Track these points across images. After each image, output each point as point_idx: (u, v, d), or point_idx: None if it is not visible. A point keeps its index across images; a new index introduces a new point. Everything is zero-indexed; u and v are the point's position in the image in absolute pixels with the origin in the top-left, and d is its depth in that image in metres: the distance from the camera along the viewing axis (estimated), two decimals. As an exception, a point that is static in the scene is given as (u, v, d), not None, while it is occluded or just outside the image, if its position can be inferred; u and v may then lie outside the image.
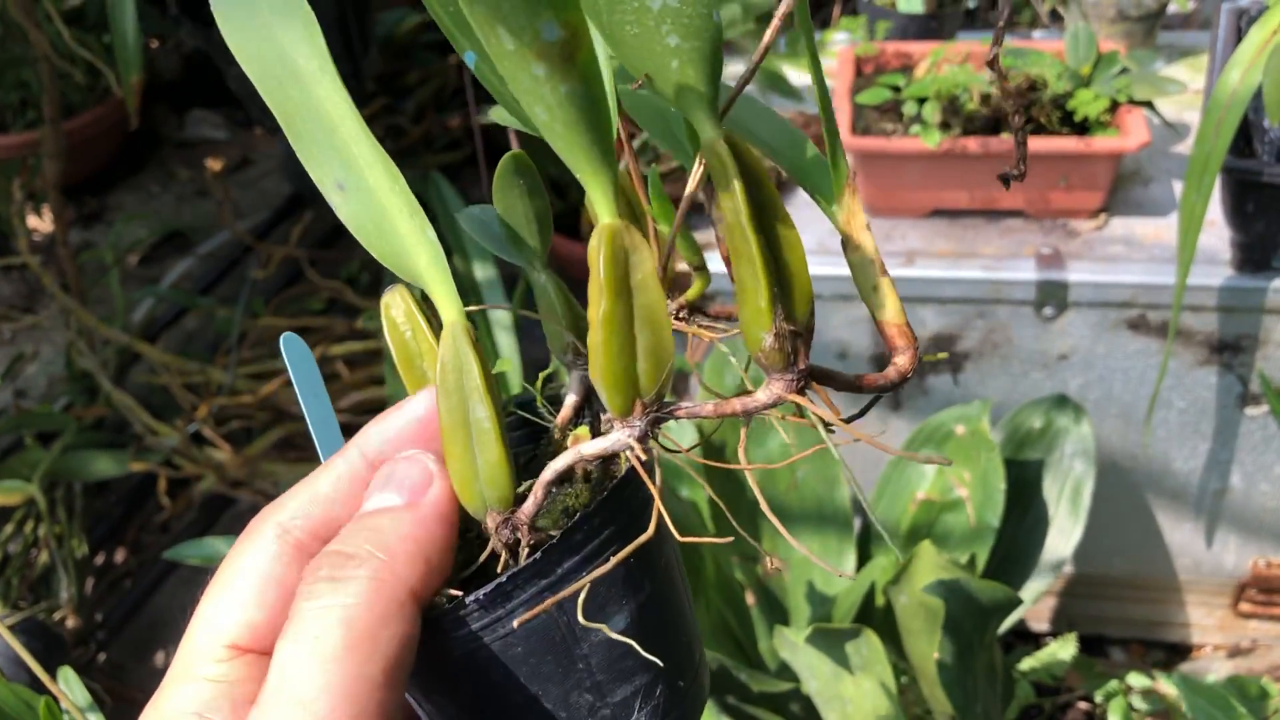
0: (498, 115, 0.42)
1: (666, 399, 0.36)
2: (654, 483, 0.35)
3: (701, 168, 0.35)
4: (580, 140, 0.32)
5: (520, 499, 0.37)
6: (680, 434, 1.20)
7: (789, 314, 0.34)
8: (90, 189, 2.55)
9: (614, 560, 0.35)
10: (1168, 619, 1.53)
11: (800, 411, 0.36)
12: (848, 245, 0.36)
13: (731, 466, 0.40)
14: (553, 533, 0.37)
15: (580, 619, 0.35)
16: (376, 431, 0.38)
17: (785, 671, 1.09)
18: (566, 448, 0.39)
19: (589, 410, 0.42)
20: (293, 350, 0.41)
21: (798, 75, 1.57)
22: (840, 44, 1.64)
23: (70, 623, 1.65)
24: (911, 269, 1.25)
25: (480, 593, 0.35)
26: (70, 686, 0.81)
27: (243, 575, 0.36)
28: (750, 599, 1.17)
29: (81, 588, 1.69)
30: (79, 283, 1.87)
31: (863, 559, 1.23)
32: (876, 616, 1.15)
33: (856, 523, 1.25)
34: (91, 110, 2.37)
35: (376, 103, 2.36)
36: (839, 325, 1.29)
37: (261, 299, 2.10)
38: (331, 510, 0.37)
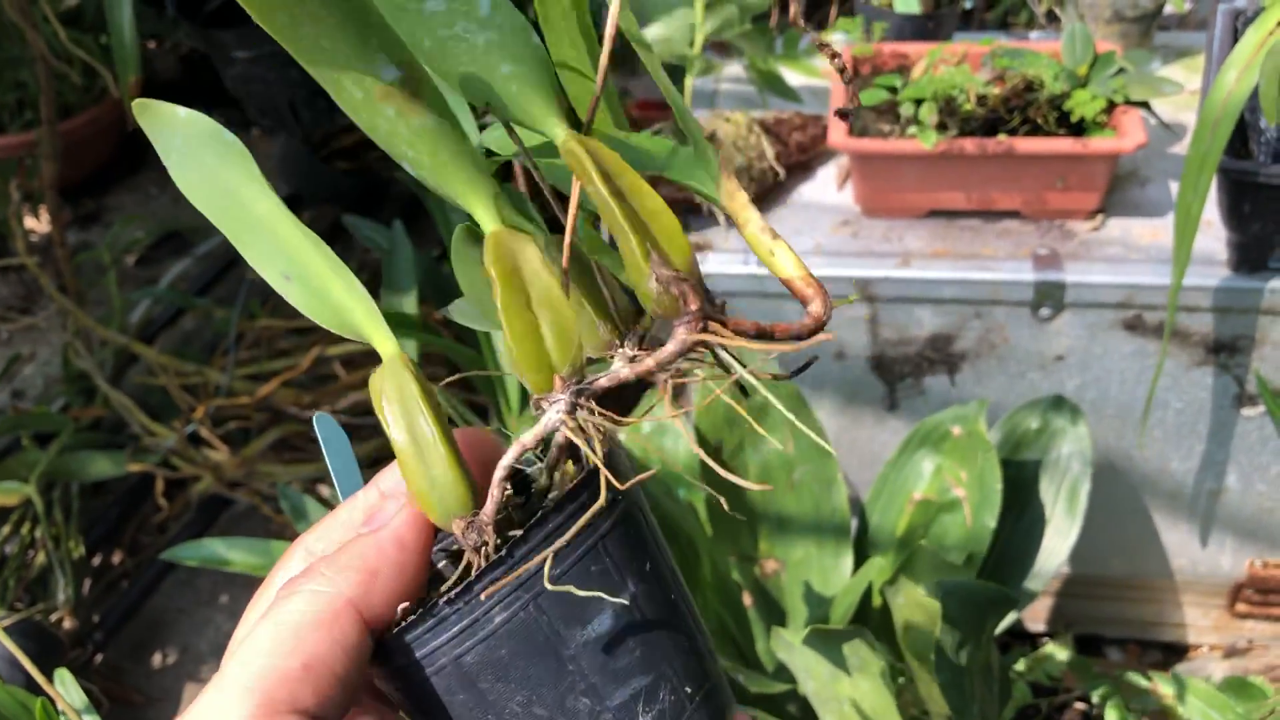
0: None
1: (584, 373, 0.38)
2: (596, 455, 0.36)
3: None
4: (446, 166, 0.36)
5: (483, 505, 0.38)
6: (676, 440, 1.20)
7: (667, 262, 0.36)
8: (87, 190, 2.55)
9: (569, 534, 0.36)
10: (1164, 619, 1.53)
11: (719, 362, 0.39)
12: (738, 222, 0.38)
13: (738, 479, 0.40)
14: (516, 531, 0.37)
15: (624, 622, 0.36)
16: (394, 475, 0.40)
17: (782, 672, 1.09)
18: (546, 471, 0.41)
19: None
20: (326, 429, 0.45)
21: (795, 77, 1.57)
22: (838, 44, 1.64)
23: (67, 624, 1.65)
24: (908, 270, 1.25)
25: (452, 593, 0.36)
26: (66, 688, 0.81)
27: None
28: (747, 600, 1.17)
29: (78, 589, 1.69)
30: (76, 284, 1.87)
31: (860, 560, 1.23)
32: (874, 617, 1.15)
33: (854, 524, 1.25)
34: (88, 111, 2.36)
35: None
36: (835, 324, 1.29)
37: (259, 300, 2.10)
38: (349, 536, 0.39)
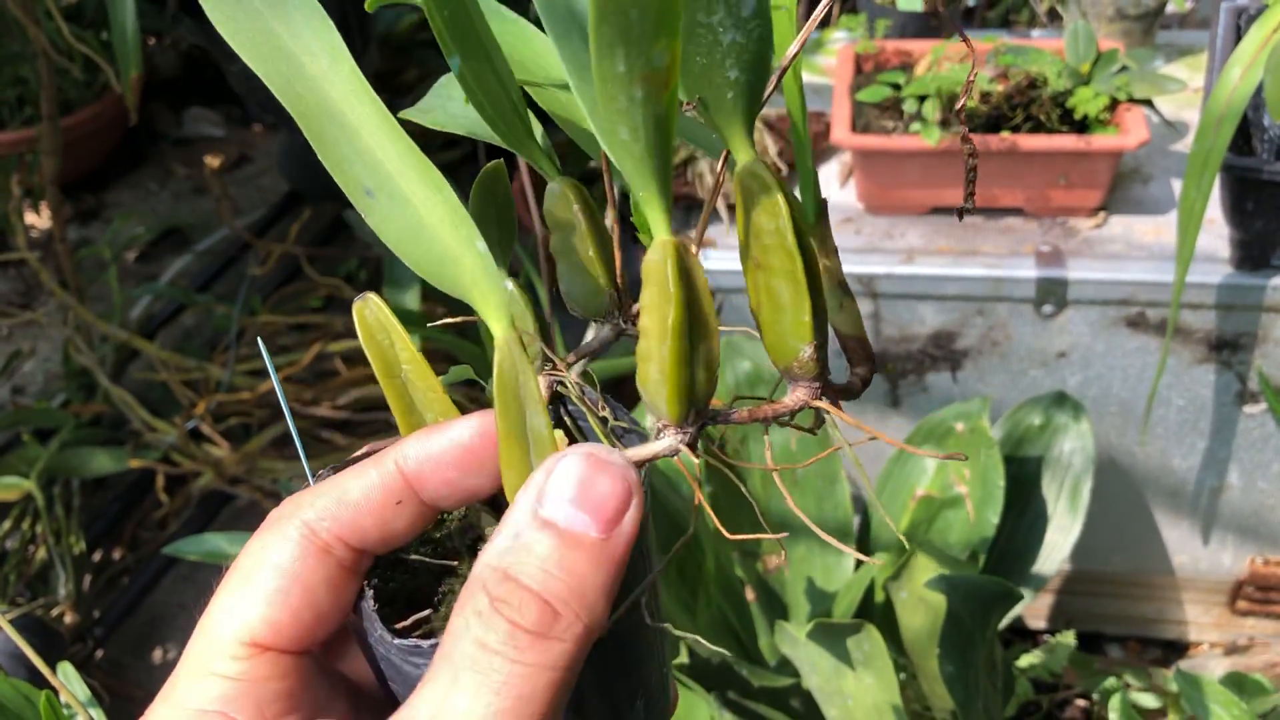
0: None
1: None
2: (699, 486, 0.37)
3: (719, 186, 0.38)
4: (652, 162, 0.33)
5: None
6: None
7: (820, 327, 0.36)
8: (88, 186, 2.55)
9: (662, 564, 0.37)
10: (1165, 616, 1.53)
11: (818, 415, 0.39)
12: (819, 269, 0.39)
13: (749, 464, 0.40)
14: None
15: (646, 618, 0.37)
16: (417, 448, 0.36)
17: (785, 667, 1.09)
18: None
19: (551, 413, 0.43)
20: (268, 358, 0.41)
21: (805, 75, 1.57)
22: (840, 42, 1.64)
23: (68, 619, 1.65)
24: (911, 266, 1.25)
25: None
26: (70, 681, 0.81)
27: (265, 570, 0.35)
28: (750, 595, 1.18)
29: (79, 584, 1.69)
30: (77, 279, 1.87)
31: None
32: (876, 613, 1.16)
33: (856, 521, 1.26)
34: (89, 107, 2.36)
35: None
36: (839, 322, 1.29)
37: (259, 296, 2.10)
38: (360, 517, 0.36)
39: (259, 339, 0.42)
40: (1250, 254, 1.20)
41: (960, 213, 0.41)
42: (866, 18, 1.53)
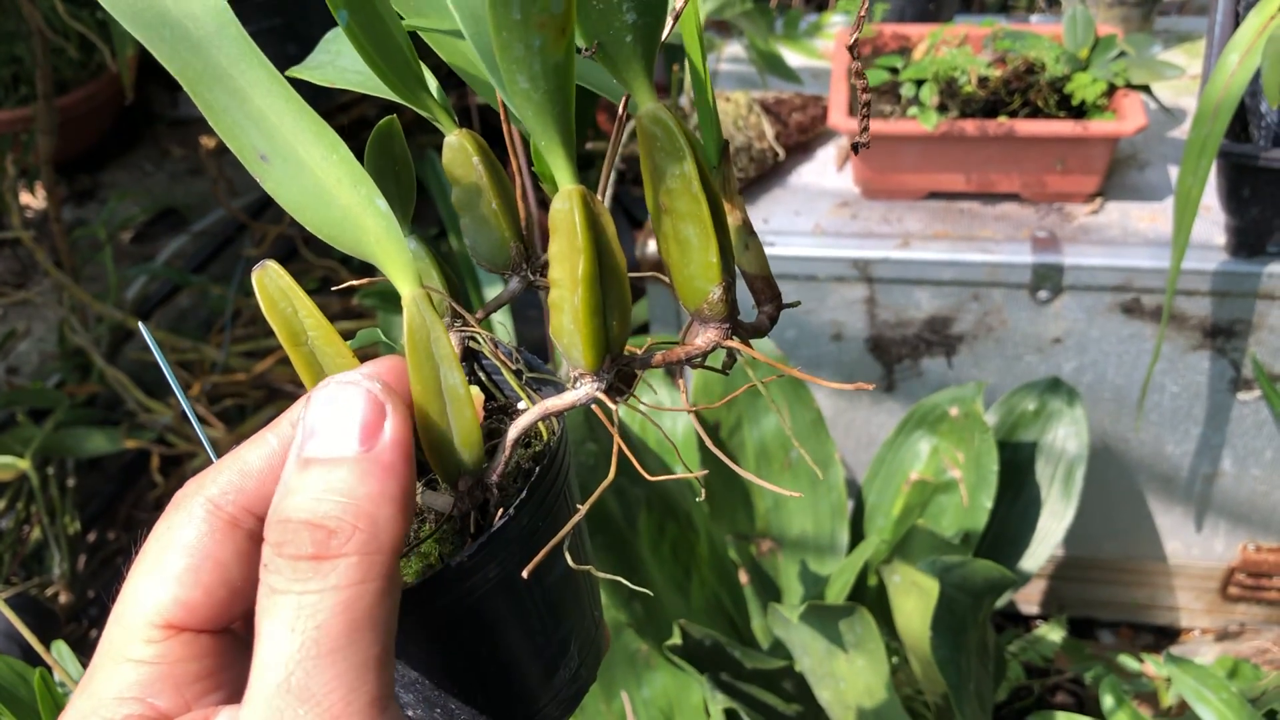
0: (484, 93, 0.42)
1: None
2: (614, 429, 0.36)
3: (621, 133, 0.38)
4: (553, 110, 0.33)
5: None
6: (674, 419, 1.20)
7: (728, 267, 0.36)
8: (83, 166, 2.54)
9: (584, 508, 0.37)
10: (1157, 602, 1.53)
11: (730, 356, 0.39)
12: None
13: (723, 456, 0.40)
14: (499, 488, 0.38)
15: (570, 562, 0.37)
16: (299, 412, 0.35)
17: (777, 650, 1.09)
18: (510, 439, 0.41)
19: (465, 369, 0.43)
20: (151, 340, 0.40)
21: (795, 57, 1.57)
22: (837, 25, 1.64)
23: (63, 599, 1.66)
24: (907, 251, 1.25)
25: (465, 554, 0.35)
26: (64, 660, 0.81)
27: (174, 551, 0.34)
28: (743, 578, 1.18)
29: (74, 564, 1.69)
30: (72, 259, 1.87)
31: (855, 539, 1.23)
32: (869, 596, 1.16)
33: (850, 505, 1.26)
34: (85, 87, 2.35)
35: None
36: (834, 306, 1.29)
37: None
38: (263, 486, 0.35)
39: (140, 324, 0.40)
40: (1246, 241, 1.20)
41: (855, 147, 0.41)
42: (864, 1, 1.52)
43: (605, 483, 0.37)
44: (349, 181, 0.35)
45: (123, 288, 2.09)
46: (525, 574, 0.35)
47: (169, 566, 0.34)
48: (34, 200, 2.42)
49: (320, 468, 0.32)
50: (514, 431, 0.37)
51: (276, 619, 0.31)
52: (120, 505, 1.85)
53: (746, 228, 0.39)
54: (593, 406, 0.36)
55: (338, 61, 0.44)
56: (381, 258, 0.36)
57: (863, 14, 0.39)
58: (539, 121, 0.33)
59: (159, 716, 0.33)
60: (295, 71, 0.43)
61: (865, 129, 0.38)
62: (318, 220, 0.36)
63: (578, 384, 0.36)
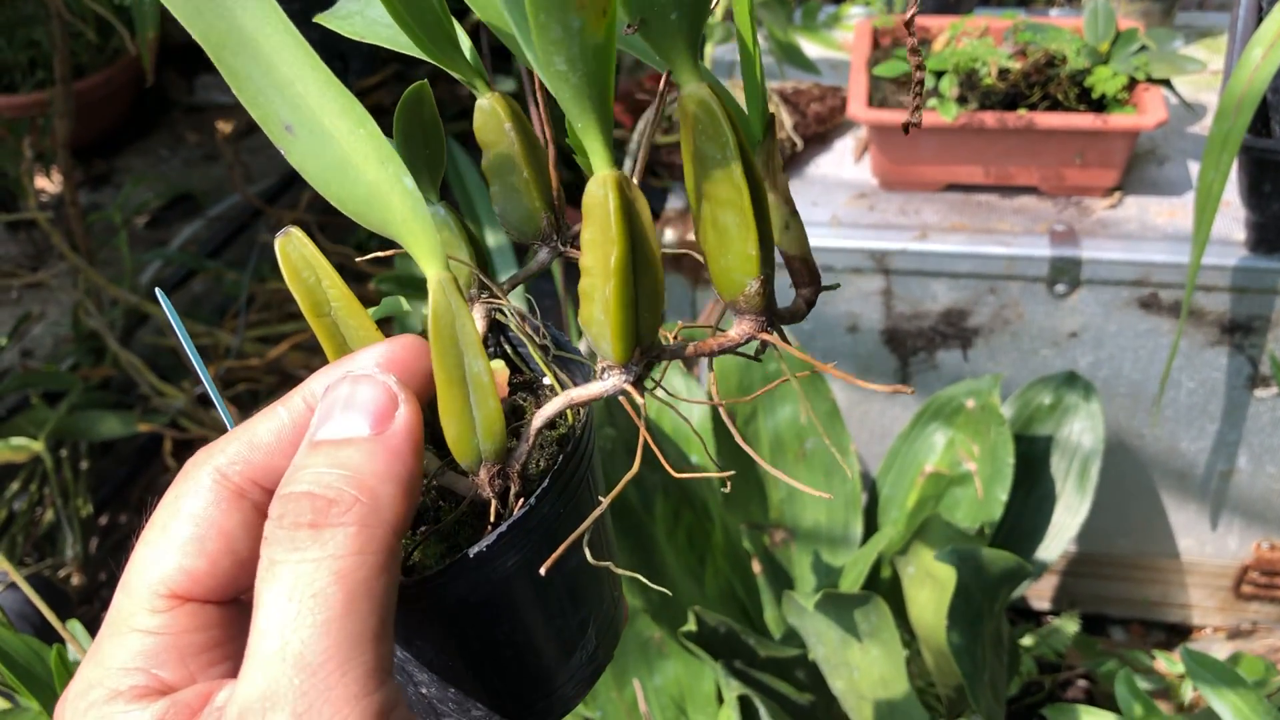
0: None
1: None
2: (640, 421, 0.36)
3: (657, 116, 0.36)
4: (590, 93, 0.31)
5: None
6: (690, 408, 1.20)
7: (768, 259, 0.35)
8: (99, 151, 2.55)
9: (606, 500, 0.36)
10: (1169, 600, 1.53)
11: (762, 345, 0.38)
12: (767, 184, 0.37)
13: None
14: (520, 476, 0.37)
15: (588, 555, 0.36)
16: (324, 382, 0.35)
17: (790, 639, 1.09)
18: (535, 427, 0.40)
19: (492, 342, 0.43)
20: (167, 304, 0.39)
21: (814, 48, 1.57)
22: (857, 17, 1.63)
23: (75, 580, 1.66)
24: (925, 243, 1.24)
25: (484, 544, 0.35)
26: (79, 637, 0.81)
27: (180, 520, 0.34)
28: (757, 568, 1.18)
29: (86, 547, 1.70)
30: (87, 243, 1.87)
31: (869, 531, 1.23)
32: (882, 588, 1.16)
33: (864, 497, 1.26)
34: (101, 71, 2.36)
35: (389, 69, 2.35)
36: (851, 298, 1.29)
37: (269, 263, 2.10)
38: (271, 459, 0.35)
39: (157, 290, 0.39)
40: (1266, 236, 1.19)
41: (905, 127, 0.40)
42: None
43: (629, 475, 0.36)
44: (376, 157, 0.34)
45: (137, 272, 2.10)
46: (543, 570, 0.34)
47: (175, 535, 0.34)
48: (50, 184, 2.43)
49: (329, 447, 0.33)
50: (538, 421, 0.36)
51: (274, 587, 0.31)
52: (133, 489, 1.85)
53: (789, 207, 0.38)
54: (619, 398, 0.36)
55: (367, 11, 0.42)
56: (407, 238, 0.35)
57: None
58: (576, 104, 0.32)
59: (163, 687, 0.33)
60: (322, 18, 0.42)
61: (918, 107, 0.37)
62: (343, 195, 0.35)
63: (605, 375, 0.35)
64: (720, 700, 1.06)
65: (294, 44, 0.34)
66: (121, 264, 1.99)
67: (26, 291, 2.22)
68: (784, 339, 0.38)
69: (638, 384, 0.35)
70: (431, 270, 0.35)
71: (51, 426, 1.70)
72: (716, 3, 0.34)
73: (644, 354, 0.35)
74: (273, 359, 1.84)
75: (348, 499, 0.31)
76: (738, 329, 0.36)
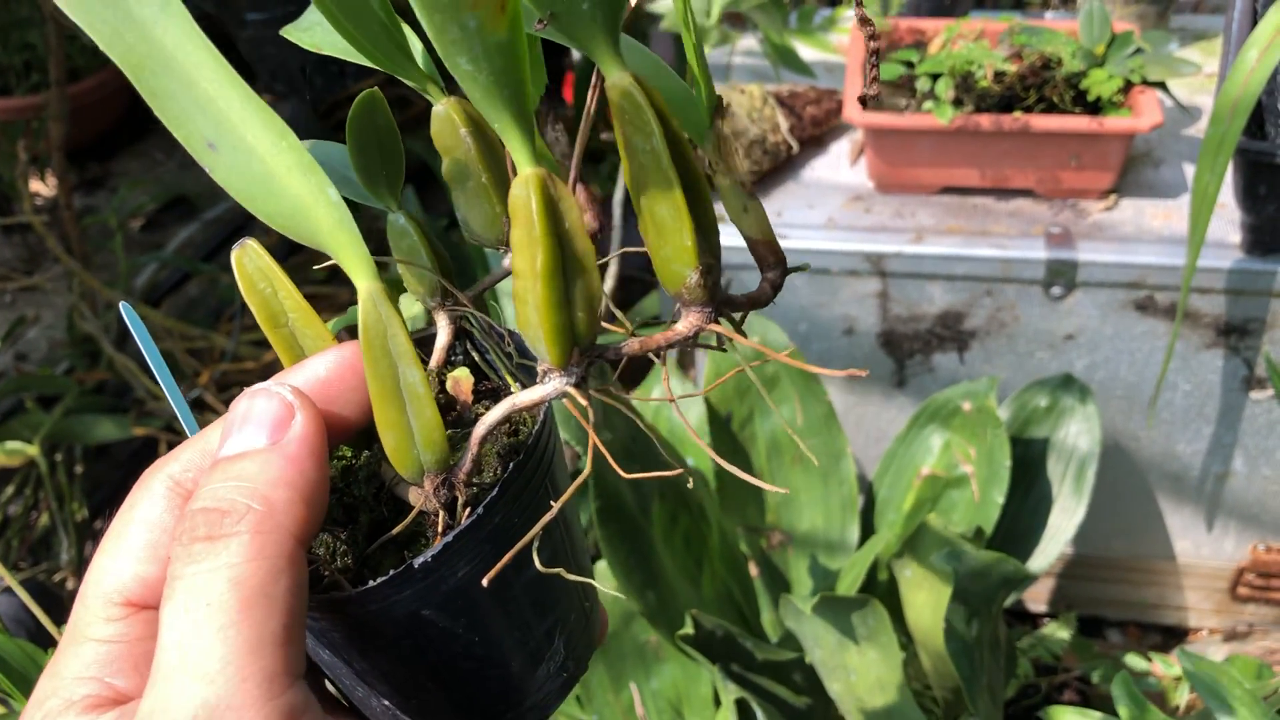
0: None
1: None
2: (589, 425, 0.35)
3: (593, 107, 0.36)
4: (502, 92, 0.31)
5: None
6: (687, 409, 1.20)
7: (708, 247, 0.34)
8: (93, 154, 2.54)
9: (556, 505, 0.35)
10: (1165, 602, 1.53)
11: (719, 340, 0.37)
12: (716, 170, 0.36)
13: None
14: (474, 484, 0.37)
15: (537, 563, 0.36)
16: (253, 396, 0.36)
17: (787, 642, 1.09)
18: (445, 391, 0.40)
19: (459, 349, 0.42)
20: (133, 319, 0.39)
21: (809, 51, 1.57)
22: (852, 20, 1.63)
23: (70, 585, 1.66)
24: (920, 246, 1.24)
25: (429, 554, 0.35)
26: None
27: (134, 528, 0.35)
28: (754, 571, 1.18)
29: (81, 551, 1.69)
30: (82, 246, 1.87)
31: (866, 534, 1.23)
32: (879, 591, 1.16)
33: (861, 500, 1.26)
34: (96, 75, 2.36)
35: (381, 74, 2.35)
36: (846, 300, 1.29)
37: (265, 267, 2.09)
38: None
39: (121, 304, 0.39)
40: (1261, 239, 1.19)
41: (863, 100, 0.38)
42: (880, -4, 1.52)
43: (577, 481, 0.36)
44: (300, 170, 0.34)
45: (132, 275, 2.09)
46: (485, 581, 0.34)
47: (129, 543, 0.34)
48: (45, 187, 2.42)
49: (226, 463, 0.33)
50: (481, 428, 0.36)
51: (173, 601, 0.31)
52: (127, 493, 1.85)
53: (745, 189, 0.37)
54: (565, 402, 0.35)
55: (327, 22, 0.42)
56: (335, 249, 0.35)
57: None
58: (488, 103, 0.31)
59: (117, 696, 0.33)
60: (287, 31, 0.42)
61: (874, 80, 0.36)
62: (270, 210, 0.34)
63: (545, 378, 0.35)
64: (717, 703, 1.06)
65: (213, 61, 0.34)
66: (116, 267, 1.98)
67: (21, 295, 2.21)
68: (738, 328, 0.37)
69: (580, 386, 0.35)
70: (361, 281, 0.35)
71: (46, 430, 1.69)
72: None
73: (583, 355, 0.34)
74: (268, 362, 1.84)
75: (240, 508, 0.32)
76: (684, 322, 0.35)
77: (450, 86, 0.37)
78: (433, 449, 0.35)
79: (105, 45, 0.33)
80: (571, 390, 0.34)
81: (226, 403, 1.79)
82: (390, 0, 0.37)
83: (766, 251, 0.38)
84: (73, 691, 0.33)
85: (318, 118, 2.30)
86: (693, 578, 1.06)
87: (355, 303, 0.37)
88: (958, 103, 1.25)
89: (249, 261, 0.37)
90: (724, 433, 1.18)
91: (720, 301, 0.36)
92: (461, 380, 0.40)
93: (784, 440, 1.19)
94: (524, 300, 0.33)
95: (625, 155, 0.33)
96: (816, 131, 1.41)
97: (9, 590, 1.34)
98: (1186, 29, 1.58)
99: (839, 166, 1.39)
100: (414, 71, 0.38)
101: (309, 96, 2.20)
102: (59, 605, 1.57)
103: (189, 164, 2.54)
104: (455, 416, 0.40)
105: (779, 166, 1.38)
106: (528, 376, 0.40)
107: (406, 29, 0.38)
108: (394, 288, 0.40)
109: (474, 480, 0.37)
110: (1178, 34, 1.56)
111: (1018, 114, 1.23)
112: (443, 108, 0.39)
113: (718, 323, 0.36)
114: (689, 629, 0.92)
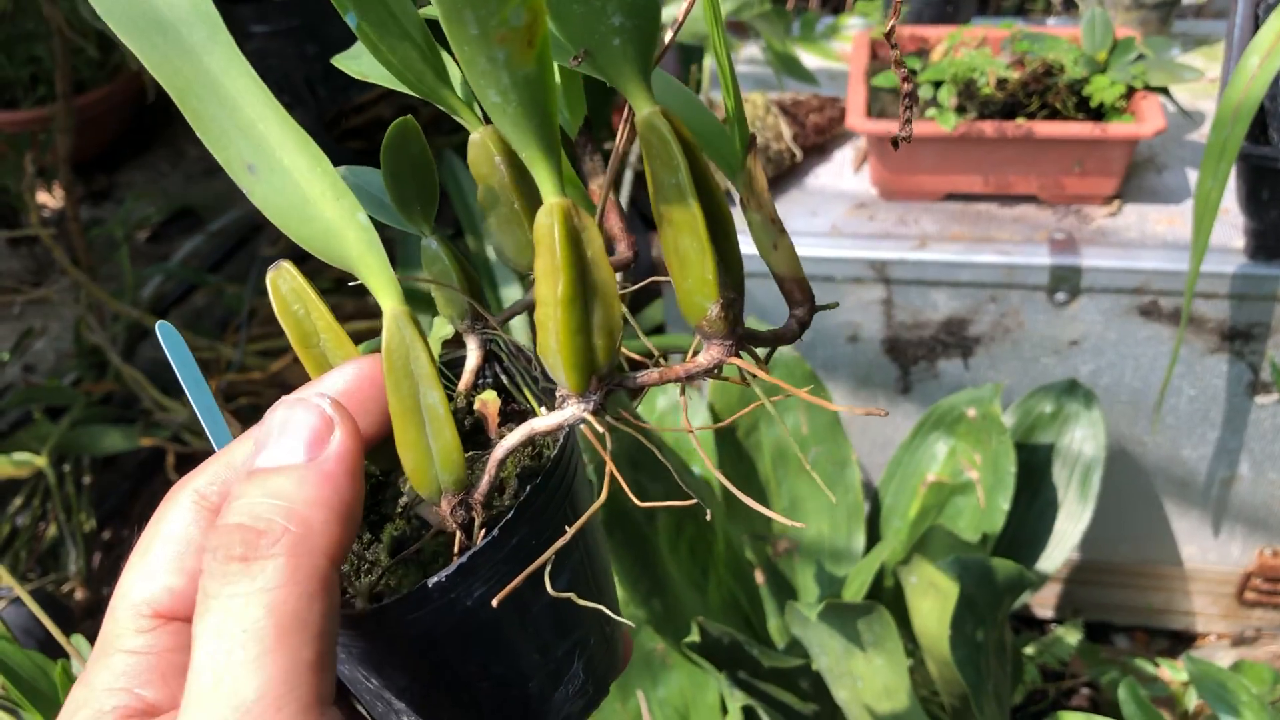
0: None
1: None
2: (606, 452, 0.35)
3: (624, 140, 0.37)
4: (529, 123, 0.32)
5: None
6: (693, 417, 1.20)
7: (730, 281, 0.35)
8: (100, 166, 2.56)
9: (572, 530, 0.36)
10: (1172, 607, 1.53)
11: (740, 371, 0.37)
12: (748, 206, 0.37)
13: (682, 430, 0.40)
14: (495, 505, 0.37)
15: (549, 587, 0.36)
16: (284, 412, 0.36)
17: (793, 649, 1.09)
18: (473, 412, 0.40)
19: (489, 372, 0.43)
20: (169, 339, 0.39)
21: (812, 59, 1.57)
22: (855, 28, 1.64)
23: (78, 595, 1.66)
24: (924, 253, 1.25)
25: (443, 575, 0.35)
26: (84, 652, 0.81)
27: (162, 541, 0.35)
28: (760, 578, 1.18)
29: (89, 561, 1.70)
30: (89, 258, 1.88)
31: (872, 541, 1.23)
32: (885, 598, 1.16)
33: (866, 507, 1.26)
34: (102, 88, 2.37)
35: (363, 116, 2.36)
36: (851, 308, 1.29)
37: (270, 277, 2.10)
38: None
39: (159, 324, 0.40)
40: (1265, 244, 1.19)
41: (894, 142, 0.39)
42: (882, 3, 1.53)
43: (595, 505, 0.36)
44: (332, 194, 0.35)
45: (139, 287, 2.10)
46: (495, 602, 0.34)
47: (157, 556, 0.35)
48: (51, 199, 2.43)
49: (263, 476, 0.33)
50: (499, 452, 0.36)
51: (207, 621, 0.31)
52: (135, 503, 1.85)
53: (776, 226, 0.37)
54: (582, 428, 0.36)
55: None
56: (363, 271, 0.36)
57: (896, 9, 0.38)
58: (516, 134, 0.32)
59: (146, 707, 0.33)
60: (337, 60, 0.43)
61: (909, 120, 0.37)
62: (304, 232, 0.35)
63: (564, 404, 0.35)
64: (724, 711, 1.06)
65: (256, 88, 0.35)
66: (123, 279, 1.99)
67: (28, 307, 2.22)
68: (760, 362, 0.37)
69: (598, 413, 0.35)
70: (386, 303, 0.36)
71: (54, 441, 1.70)
72: (677, 31, 0.34)
73: (601, 382, 0.35)
74: (274, 372, 1.84)
75: (277, 529, 0.31)
76: (706, 354, 0.36)
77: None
78: (450, 470, 0.36)
79: (154, 69, 0.34)
80: (589, 417, 0.35)
81: (234, 413, 1.79)
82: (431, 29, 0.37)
83: (795, 288, 0.38)
84: (103, 702, 0.33)
85: (323, 128, 2.30)
86: (699, 585, 1.06)
87: (364, 314, 0.38)
88: (961, 110, 1.26)
89: (283, 283, 0.38)
90: (729, 441, 1.18)
91: (743, 336, 0.36)
92: (489, 403, 0.40)
93: (789, 447, 1.19)
94: (545, 327, 0.34)
95: (652, 187, 0.34)
96: (819, 139, 1.41)
97: (18, 601, 1.35)
98: (1188, 34, 1.59)
99: (842, 174, 1.40)
100: (450, 98, 0.39)
101: (314, 107, 2.21)
102: (67, 616, 1.57)
103: (194, 176, 2.55)
104: (485, 439, 0.40)
105: (782, 174, 1.38)
106: (552, 400, 0.40)
107: (446, 57, 0.39)
108: (426, 307, 0.41)
109: (494, 502, 0.37)
110: (1180, 39, 1.56)
111: (1021, 120, 1.23)
112: (479, 136, 0.39)
113: (739, 356, 0.36)
114: (695, 636, 0.92)
